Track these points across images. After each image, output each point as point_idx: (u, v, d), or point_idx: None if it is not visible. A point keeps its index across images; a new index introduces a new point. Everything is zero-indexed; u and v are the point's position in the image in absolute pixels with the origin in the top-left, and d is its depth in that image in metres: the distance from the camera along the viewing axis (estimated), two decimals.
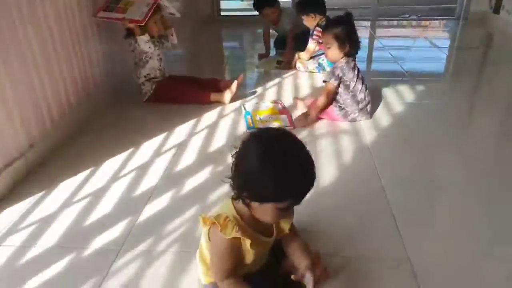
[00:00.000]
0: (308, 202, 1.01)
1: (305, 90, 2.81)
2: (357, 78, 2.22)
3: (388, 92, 2.70)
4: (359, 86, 2.23)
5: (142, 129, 2.25)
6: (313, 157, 0.95)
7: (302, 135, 2.11)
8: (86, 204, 1.60)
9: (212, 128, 2.24)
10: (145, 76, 2.54)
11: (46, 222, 1.50)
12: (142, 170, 1.83)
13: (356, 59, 2.29)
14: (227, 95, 2.54)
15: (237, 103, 2.57)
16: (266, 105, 2.49)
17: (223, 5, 5.35)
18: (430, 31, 5.06)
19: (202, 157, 1.94)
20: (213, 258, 1.06)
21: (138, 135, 2.14)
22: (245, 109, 2.44)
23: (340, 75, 2.20)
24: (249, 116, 2.32)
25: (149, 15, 2.34)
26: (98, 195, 1.65)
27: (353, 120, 2.25)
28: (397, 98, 2.61)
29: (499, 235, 1.39)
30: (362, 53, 2.49)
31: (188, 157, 1.93)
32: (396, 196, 1.59)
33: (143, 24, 2.34)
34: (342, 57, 2.21)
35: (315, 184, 0.94)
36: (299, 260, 1.09)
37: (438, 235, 1.40)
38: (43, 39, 1.93)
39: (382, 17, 5.35)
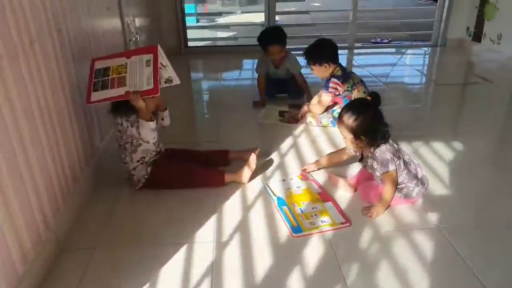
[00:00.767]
0: None
1: (325, 149, 2.35)
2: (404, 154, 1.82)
3: None
4: (409, 159, 1.83)
5: (145, 241, 1.65)
6: None
7: (364, 238, 1.64)
8: None
9: (243, 229, 1.70)
10: (138, 161, 1.94)
11: None
12: None
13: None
14: (246, 173, 2.01)
15: (257, 181, 2.05)
16: (297, 184, 1.99)
17: (190, 34, 4.79)
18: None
19: None
20: None
21: (145, 253, 1.55)
22: (271, 191, 1.93)
23: (397, 162, 1.77)
24: (285, 208, 1.81)
25: (160, 82, 1.75)
26: None
27: (416, 197, 1.83)
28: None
29: None
30: None
31: None
32: None
33: (158, 94, 1.73)
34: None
35: None
36: None
37: None
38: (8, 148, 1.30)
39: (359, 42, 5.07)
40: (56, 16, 1.70)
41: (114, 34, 2.62)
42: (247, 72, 4.33)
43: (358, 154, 1.89)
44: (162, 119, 2.01)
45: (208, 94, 3.67)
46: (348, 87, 2.56)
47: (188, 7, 5.92)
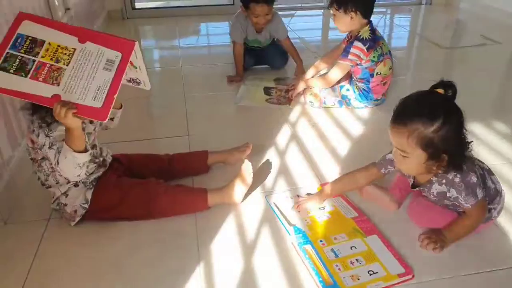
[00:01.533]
0: None
1: (338, 142, 1.73)
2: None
3: None
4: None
5: None
6: None
7: None
8: None
9: None
10: (69, 182, 1.23)
11: None
12: None
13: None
14: (238, 189, 1.34)
15: (255, 197, 1.40)
16: (320, 208, 1.34)
17: None
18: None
19: None
20: None
21: None
22: (283, 217, 1.29)
23: (485, 189, 1.17)
24: (309, 249, 1.16)
25: (113, 99, 1.01)
26: None
27: (495, 217, 1.25)
28: None
29: None
30: None
31: None
32: None
33: (105, 120, 1.02)
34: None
35: None
36: None
37: None
38: None
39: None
40: None
41: None
42: (213, 37, 3.59)
43: (410, 178, 1.27)
44: (112, 119, 1.31)
45: (165, 68, 2.90)
46: (374, 57, 1.88)
47: None
